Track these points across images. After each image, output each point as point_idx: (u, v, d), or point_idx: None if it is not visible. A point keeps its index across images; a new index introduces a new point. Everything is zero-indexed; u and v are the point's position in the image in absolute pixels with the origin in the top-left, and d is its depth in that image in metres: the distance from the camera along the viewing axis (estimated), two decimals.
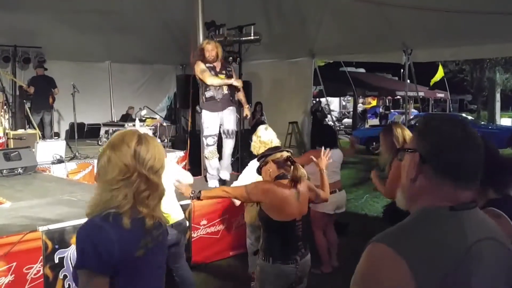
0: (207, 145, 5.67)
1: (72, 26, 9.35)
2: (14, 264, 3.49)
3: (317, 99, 14.37)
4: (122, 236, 1.58)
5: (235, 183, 4.19)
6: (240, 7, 8.99)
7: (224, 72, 5.60)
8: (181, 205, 4.10)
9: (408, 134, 3.63)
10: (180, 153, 8.23)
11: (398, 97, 24.57)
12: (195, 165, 7.65)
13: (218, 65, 5.61)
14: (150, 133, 3.82)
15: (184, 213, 4.14)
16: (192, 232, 4.86)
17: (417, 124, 1.32)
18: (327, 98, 14.51)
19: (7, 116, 9.01)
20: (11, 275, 3.49)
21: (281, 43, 10.08)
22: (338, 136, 10.40)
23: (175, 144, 9.53)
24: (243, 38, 7.80)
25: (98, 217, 1.60)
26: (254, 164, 3.71)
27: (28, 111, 9.30)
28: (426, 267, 1.05)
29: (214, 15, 7.46)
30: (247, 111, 5.94)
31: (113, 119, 11.23)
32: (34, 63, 10.35)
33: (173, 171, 3.79)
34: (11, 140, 7.93)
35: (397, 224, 1.18)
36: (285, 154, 3.04)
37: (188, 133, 8.09)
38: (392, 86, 23.72)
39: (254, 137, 4.13)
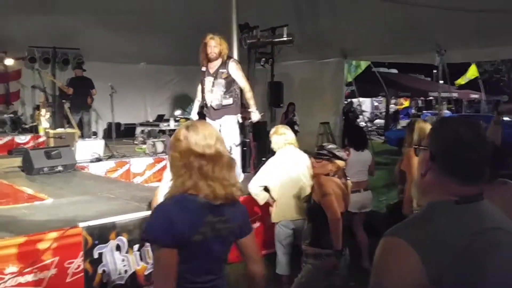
0: None
1: (109, 28, 9.59)
2: (57, 258, 3.63)
3: (349, 100, 14.28)
4: (183, 218, 1.76)
5: (254, 178, 4.36)
6: (273, 9, 9.04)
7: (215, 75, 5.28)
8: None
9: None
10: None
11: (431, 98, 24.12)
12: None
13: (212, 66, 5.34)
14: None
15: None
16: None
17: (434, 124, 1.40)
18: (359, 98, 14.40)
19: (47, 116, 9.33)
20: (54, 268, 3.65)
21: (313, 44, 10.07)
22: (370, 137, 10.33)
23: None
24: (276, 40, 7.85)
25: (169, 199, 1.83)
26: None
27: (68, 110, 9.59)
28: (434, 254, 1.12)
29: (248, 17, 7.54)
30: (253, 116, 5.56)
31: (148, 119, 11.47)
32: (72, 64, 10.68)
33: None
34: (52, 139, 8.22)
35: (408, 217, 1.29)
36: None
37: None
38: (425, 87, 23.30)
39: (275, 136, 4.29)
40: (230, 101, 5.33)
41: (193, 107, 5.84)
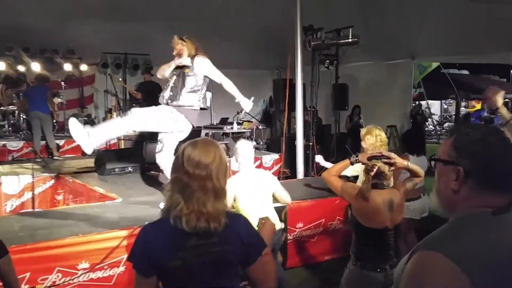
0: None
1: (177, 33, 9.87)
2: (125, 256, 3.77)
3: (417, 102, 13.77)
4: (160, 243, 1.70)
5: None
6: (338, 10, 8.91)
7: (177, 73, 4.83)
8: (278, 207, 4.17)
9: None
10: (275, 156, 8.35)
11: (506, 100, 22.75)
12: (290, 168, 7.72)
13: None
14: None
15: (280, 214, 4.20)
16: (288, 234, 4.91)
17: (453, 135, 1.28)
18: (427, 101, 13.86)
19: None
20: (122, 266, 3.79)
21: (380, 45, 9.81)
22: (439, 141, 9.89)
23: (270, 147, 9.69)
24: (341, 41, 7.73)
25: (150, 223, 1.79)
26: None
27: None
28: (480, 269, 1.06)
29: (312, 19, 7.47)
30: (243, 105, 5.03)
31: (212, 122, 11.67)
32: (142, 69, 11.09)
33: (273, 183, 3.90)
34: (122, 141, 8.59)
35: (437, 230, 1.21)
36: (372, 162, 2.92)
37: (283, 136, 8.20)
38: (500, 88, 21.99)
39: (370, 138, 4.01)
40: (191, 101, 4.77)
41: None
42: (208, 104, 4.97)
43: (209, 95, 4.95)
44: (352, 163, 3.13)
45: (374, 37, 9.43)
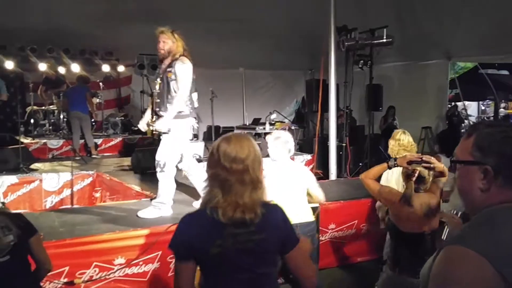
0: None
1: (210, 35, 9.98)
2: (160, 253, 3.86)
3: (453, 103, 13.44)
4: (200, 231, 1.78)
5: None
6: (372, 10, 8.82)
7: (161, 76, 4.48)
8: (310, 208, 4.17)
9: None
10: (308, 157, 8.33)
11: None
12: (323, 169, 7.69)
13: (165, 64, 4.50)
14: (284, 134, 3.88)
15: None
16: (320, 235, 4.90)
17: (473, 135, 1.27)
18: (464, 102, 13.51)
19: (154, 119, 9.93)
20: (157, 262, 3.88)
21: (415, 45, 9.65)
22: None
23: (303, 148, 9.67)
24: (375, 41, 7.64)
25: (189, 213, 1.85)
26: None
27: None
28: (507, 260, 1.06)
29: (346, 19, 7.42)
30: (157, 123, 4.45)
31: (245, 123, 11.75)
32: None
33: (309, 178, 3.85)
34: (157, 140, 8.74)
35: (464, 226, 1.23)
36: (413, 167, 2.91)
37: (316, 137, 8.17)
38: None
39: (391, 141, 4.06)
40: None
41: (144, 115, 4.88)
42: (196, 105, 4.61)
43: (195, 96, 4.58)
44: (390, 167, 3.11)
45: (409, 37, 9.28)
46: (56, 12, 8.09)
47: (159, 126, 4.39)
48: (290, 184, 3.67)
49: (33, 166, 6.79)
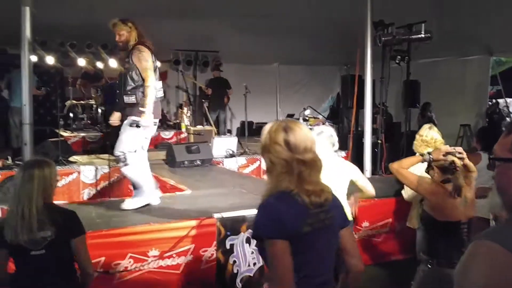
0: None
1: (245, 30, 9.98)
2: (193, 246, 3.90)
3: (494, 100, 13.00)
4: (289, 211, 1.81)
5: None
6: (410, 5, 8.61)
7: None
8: None
9: None
10: (342, 153, 8.24)
11: None
12: (357, 166, 7.59)
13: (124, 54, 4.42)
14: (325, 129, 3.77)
15: None
16: (354, 233, 4.85)
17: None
18: (506, 99, 13.05)
19: (188, 114, 10.07)
20: (190, 255, 3.92)
21: (454, 40, 9.36)
22: None
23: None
24: (413, 37, 7.46)
25: (271, 197, 1.85)
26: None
27: (206, 109, 10.25)
28: None
29: (383, 13, 7.28)
30: (143, 118, 4.24)
31: (278, 118, 11.73)
32: (211, 66, 11.38)
33: (352, 172, 3.78)
34: (192, 135, 8.88)
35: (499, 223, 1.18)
36: (450, 158, 2.88)
37: (351, 133, 8.07)
38: None
39: (416, 136, 4.01)
40: (132, 98, 4.29)
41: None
42: (160, 95, 4.49)
43: (159, 85, 4.43)
44: (425, 160, 3.05)
45: (448, 32, 9.01)
46: (96, 8, 8.27)
47: (145, 119, 4.20)
48: (336, 181, 3.54)
49: (71, 158, 6.97)
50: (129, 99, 4.27)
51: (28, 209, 2.46)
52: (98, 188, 6.56)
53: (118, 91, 4.41)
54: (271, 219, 1.80)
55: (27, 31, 5.33)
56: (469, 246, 1.12)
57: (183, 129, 9.93)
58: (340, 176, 3.65)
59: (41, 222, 2.47)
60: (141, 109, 4.18)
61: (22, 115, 5.53)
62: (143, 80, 4.21)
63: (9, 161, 6.49)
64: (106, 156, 6.69)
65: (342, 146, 8.81)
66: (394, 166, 3.20)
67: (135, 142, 4.33)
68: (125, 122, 4.33)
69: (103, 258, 3.57)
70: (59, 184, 6.34)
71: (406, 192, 4.08)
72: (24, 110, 5.45)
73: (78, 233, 2.63)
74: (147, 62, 4.23)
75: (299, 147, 1.85)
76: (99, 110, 10.10)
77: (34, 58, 5.43)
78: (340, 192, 3.65)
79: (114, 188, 6.56)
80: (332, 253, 1.96)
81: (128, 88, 4.25)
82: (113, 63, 10.29)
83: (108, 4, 8.25)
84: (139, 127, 4.23)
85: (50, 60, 9.19)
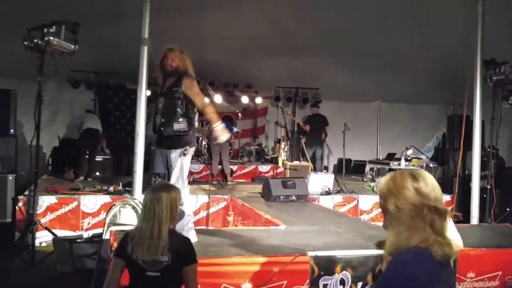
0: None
1: (347, 68, 9.97)
2: (285, 282, 3.84)
3: None
4: (427, 271, 1.66)
5: None
6: None
7: (166, 94, 4.34)
8: None
9: None
10: (447, 197, 7.78)
11: None
12: (463, 212, 7.12)
13: (169, 82, 4.39)
14: None
15: None
16: (457, 284, 4.50)
17: None
18: None
19: (286, 149, 10.22)
20: None
21: None
22: None
23: (442, 187, 9.06)
24: None
25: (405, 253, 1.69)
26: None
27: (304, 145, 10.32)
28: None
29: (495, 52, 6.89)
30: (218, 133, 4.32)
31: (378, 157, 11.42)
32: (311, 102, 11.51)
33: None
34: (288, 170, 8.97)
35: None
36: None
37: (456, 176, 7.61)
38: None
39: None
40: (183, 126, 4.24)
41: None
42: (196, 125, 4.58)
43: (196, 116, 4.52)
44: None
45: None
46: (205, 48, 8.82)
47: (222, 135, 4.29)
48: None
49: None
50: (179, 126, 4.23)
51: (158, 230, 2.59)
52: (198, 216, 6.83)
53: (164, 119, 4.27)
54: (403, 281, 1.65)
55: (144, 68, 5.78)
56: None
57: (280, 164, 10.07)
58: None
59: (164, 246, 2.59)
60: (214, 126, 4.28)
61: (135, 144, 5.91)
62: (187, 109, 4.25)
63: (120, 187, 7.04)
64: (207, 186, 6.98)
65: (447, 189, 8.36)
66: None
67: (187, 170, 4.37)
68: (176, 152, 4.23)
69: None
70: None
71: None
72: (136, 140, 5.86)
73: (191, 261, 2.73)
74: (197, 88, 4.34)
75: (430, 195, 1.74)
76: (204, 143, 10.61)
77: (148, 93, 5.87)
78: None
79: (212, 218, 6.80)
80: None
81: (177, 116, 4.23)
82: (218, 99, 10.86)
83: (217, 45, 8.74)
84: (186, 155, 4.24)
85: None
